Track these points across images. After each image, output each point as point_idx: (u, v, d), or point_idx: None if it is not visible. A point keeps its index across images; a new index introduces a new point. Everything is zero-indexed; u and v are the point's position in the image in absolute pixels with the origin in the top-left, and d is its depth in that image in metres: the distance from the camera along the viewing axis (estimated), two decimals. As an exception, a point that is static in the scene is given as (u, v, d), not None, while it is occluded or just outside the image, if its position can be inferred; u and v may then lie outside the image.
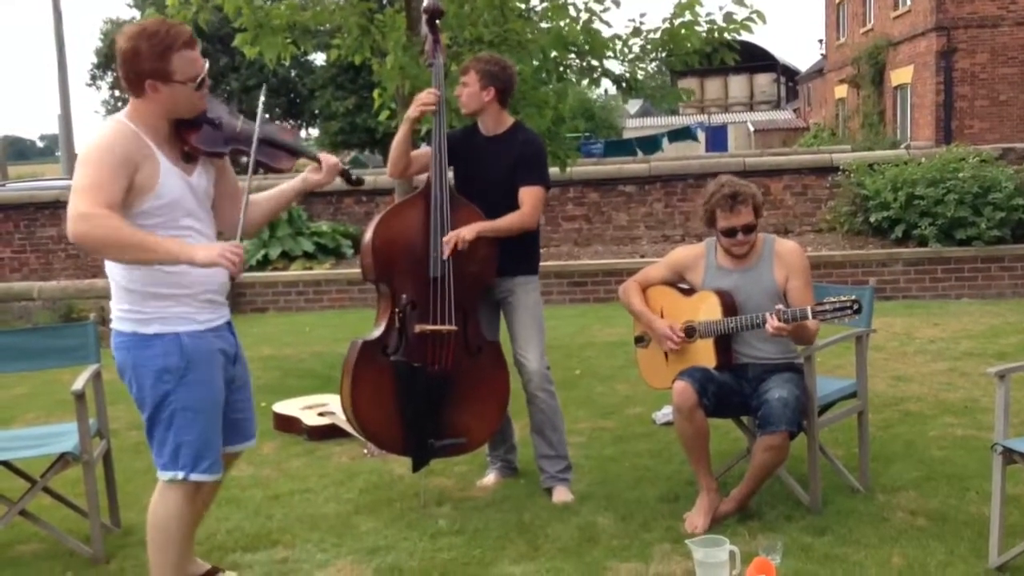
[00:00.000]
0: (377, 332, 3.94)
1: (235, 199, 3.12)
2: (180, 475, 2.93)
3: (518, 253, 4.07)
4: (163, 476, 2.96)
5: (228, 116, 2.99)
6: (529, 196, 4.01)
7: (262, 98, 3.08)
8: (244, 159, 3.01)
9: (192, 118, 2.90)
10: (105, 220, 2.64)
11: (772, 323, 3.61)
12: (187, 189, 2.90)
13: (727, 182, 3.81)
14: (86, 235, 2.65)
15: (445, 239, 3.86)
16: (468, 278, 3.94)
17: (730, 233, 3.78)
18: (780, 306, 3.65)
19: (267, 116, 2.97)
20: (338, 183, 3.44)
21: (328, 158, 3.21)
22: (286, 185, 3.24)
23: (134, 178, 2.75)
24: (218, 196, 3.07)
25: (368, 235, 3.94)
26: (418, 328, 3.88)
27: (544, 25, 6.29)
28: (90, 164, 2.73)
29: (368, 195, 11.55)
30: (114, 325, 2.94)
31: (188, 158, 2.92)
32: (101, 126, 2.87)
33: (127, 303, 2.89)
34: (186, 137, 2.89)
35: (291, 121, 42.39)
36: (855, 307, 3.53)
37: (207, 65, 2.87)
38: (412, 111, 3.97)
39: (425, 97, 3.96)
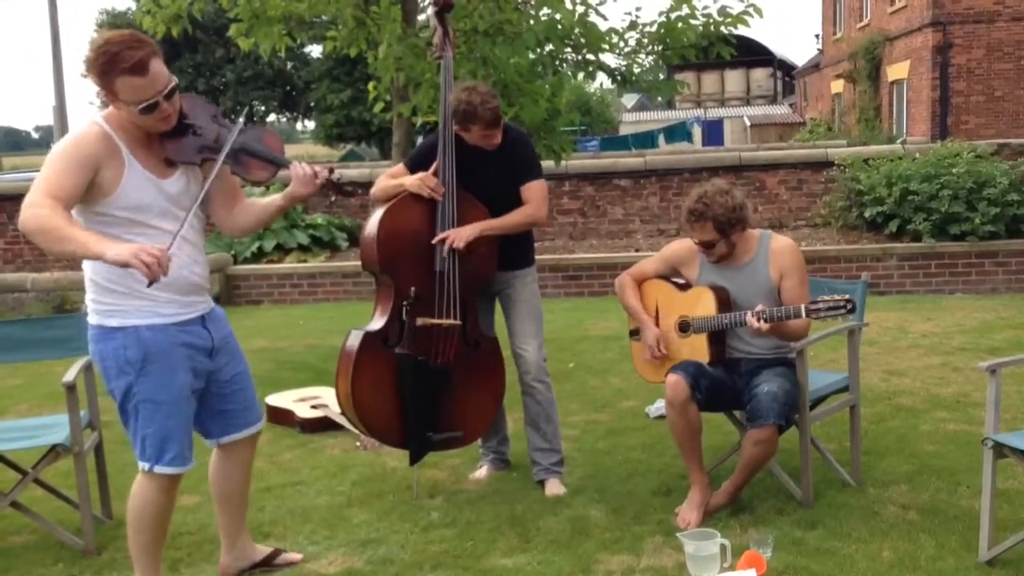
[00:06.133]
0: (378, 324, 3.91)
1: (231, 197, 3.17)
2: (146, 466, 3.00)
3: (515, 247, 4.07)
4: (140, 466, 3.03)
5: (209, 122, 2.96)
6: (534, 191, 4.00)
7: (241, 120, 3.01)
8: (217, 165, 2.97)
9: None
10: (39, 209, 2.65)
11: (752, 323, 3.61)
12: (158, 193, 2.90)
13: (701, 195, 3.70)
14: (24, 222, 2.68)
15: (440, 236, 3.85)
16: (471, 274, 3.94)
17: (697, 243, 3.79)
18: (761, 306, 3.65)
19: (251, 123, 2.84)
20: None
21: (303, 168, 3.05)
22: (273, 197, 3.24)
23: (96, 178, 2.78)
24: (212, 194, 3.06)
25: (374, 226, 3.89)
26: (420, 321, 3.85)
27: (542, 17, 6.27)
28: (52, 160, 2.78)
29: (364, 188, 11.51)
30: (88, 317, 3.00)
31: (169, 162, 2.94)
32: (78, 125, 2.89)
33: (93, 294, 2.95)
34: (163, 145, 2.91)
35: (288, 113, 42.29)
36: (848, 307, 3.53)
37: (172, 83, 2.80)
38: (413, 186, 3.89)
39: (433, 186, 3.88)
